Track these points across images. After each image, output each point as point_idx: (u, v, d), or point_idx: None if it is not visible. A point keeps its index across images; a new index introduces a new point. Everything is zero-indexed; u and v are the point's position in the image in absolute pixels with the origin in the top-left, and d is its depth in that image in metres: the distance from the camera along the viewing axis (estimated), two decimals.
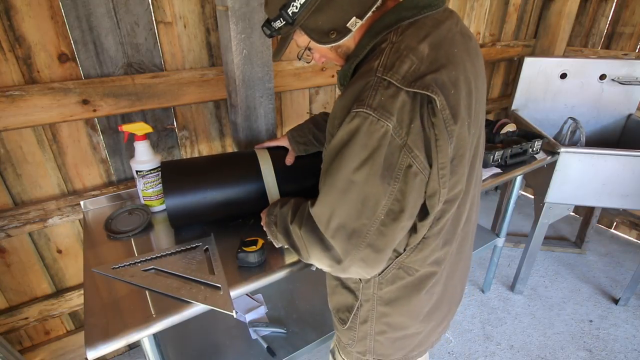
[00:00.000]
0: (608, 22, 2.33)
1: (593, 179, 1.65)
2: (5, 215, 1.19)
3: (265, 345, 1.21)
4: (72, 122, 1.22)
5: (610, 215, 2.56)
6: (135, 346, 1.70)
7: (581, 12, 2.41)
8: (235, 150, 1.43)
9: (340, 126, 0.57)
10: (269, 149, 1.07)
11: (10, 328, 1.34)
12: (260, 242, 0.89)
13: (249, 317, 1.31)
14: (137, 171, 1.09)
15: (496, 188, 3.06)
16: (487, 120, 1.70)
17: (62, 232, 1.34)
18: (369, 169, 0.56)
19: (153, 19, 1.24)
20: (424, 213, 0.64)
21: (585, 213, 2.33)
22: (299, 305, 1.38)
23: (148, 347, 0.82)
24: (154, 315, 0.75)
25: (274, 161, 1.02)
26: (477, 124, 0.67)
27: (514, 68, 2.61)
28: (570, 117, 1.93)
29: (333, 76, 1.75)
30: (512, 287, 2.08)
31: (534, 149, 1.55)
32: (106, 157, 1.32)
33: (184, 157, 1.49)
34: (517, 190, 1.72)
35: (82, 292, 1.45)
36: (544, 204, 1.75)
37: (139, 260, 0.90)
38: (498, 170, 1.41)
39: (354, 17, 0.60)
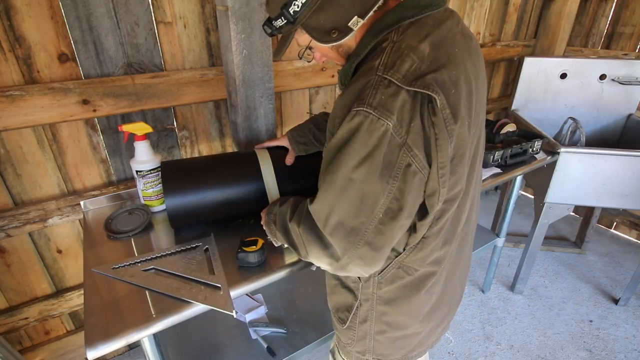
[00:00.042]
0: (608, 22, 2.33)
1: (593, 179, 1.65)
2: (5, 215, 1.19)
3: (265, 345, 1.21)
4: (72, 122, 1.22)
5: (610, 215, 2.56)
6: (135, 346, 1.70)
7: (581, 12, 2.41)
8: (235, 150, 1.43)
9: (341, 125, 0.58)
10: (269, 148, 1.07)
11: (10, 328, 1.34)
12: (260, 242, 0.89)
13: (249, 317, 1.31)
14: (137, 171, 1.09)
15: (496, 188, 3.06)
16: (487, 120, 1.70)
17: (62, 232, 1.34)
18: (368, 167, 0.56)
19: (153, 19, 1.24)
20: (423, 212, 0.64)
21: (585, 213, 2.33)
22: (299, 305, 1.38)
23: (148, 347, 0.82)
24: (154, 315, 0.75)
25: (274, 161, 1.02)
26: (478, 124, 0.67)
27: (514, 68, 2.61)
28: (570, 117, 1.93)
29: (333, 76, 1.75)
30: (512, 287, 2.08)
31: (534, 149, 1.55)
32: (106, 157, 1.32)
33: (184, 157, 1.49)
34: (517, 190, 1.72)
35: (82, 292, 1.45)
36: (544, 204, 1.75)
37: (139, 260, 0.90)
38: (498, 170, 1.41)
39: (356, 16, 0.60)
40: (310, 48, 0.71)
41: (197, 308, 0.77)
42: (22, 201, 1.23)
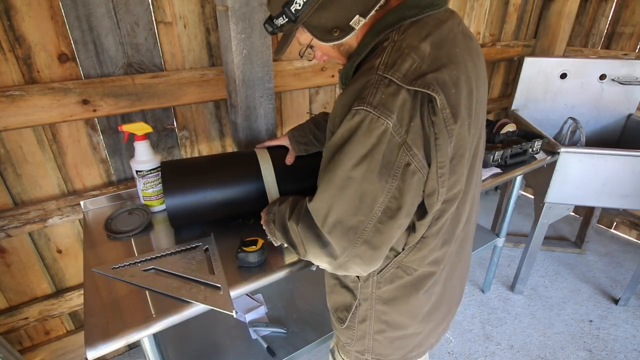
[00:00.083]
0: (608, 22, 2.33)
1: (593, 179, 1.65)
2: (5, 215, 1.19)
3: (265, 345, 1.21)
4: (72, 122, 1.22)
5: (610, 215, 2.56)
6: (135, 346, 1.70)
7: (581, 12, 2.41)
8: (235, 150, 1.43)
9: (341, 124, 0.58)
10: (269, 148, 1.07)
11: (10, 328, 1.34)
12: (260, 242, 0.89)
13: (249, 317, 1.31)
14: (137, 171, 1.09)
15: (496, 188, 3.06)
16: (487, 120, 1.70)
17: (62, 232, 1.34)
18: (367, 166, 0.56)
19: (153, 19, 1.24)
20: (422, 212, 0.64)
21: (585, 213, 2.33)
22: (299, 305, 1.38)
23: (148, 347, 0.82)
24: (154, 315, 0.75)
25: (274, 161, 1.02)
26: (478, 124, 0.67)
27: (514, 68, 2.61)
28: (570, 117, 1.93)
29: (333, 76, 1.75)
30: (512, 287, 2.08)
31: (534, 149, 1.55)
32: (106, 157, 1.32)
33: (184, 157, 1.49)
34: (517, 190, 1.72)
35: (82, 292, 1.45)
36: (544, 204, 1.75)
37: (139, 260, 0.90)
38: (498, 170, 1.41)
39: (357, 15, 0.60)
40: (311, 47, 0.71)
41: (197, 308, 0.77)
42: (22, 201, 1.23)
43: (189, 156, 1.50)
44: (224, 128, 1.54)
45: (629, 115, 2.06)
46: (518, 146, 1.47)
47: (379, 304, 0.75)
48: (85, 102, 1.19)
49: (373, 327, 0.78)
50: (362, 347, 0.82)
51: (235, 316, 0.77)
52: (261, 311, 1.34)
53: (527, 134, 1.61)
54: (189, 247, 0.95)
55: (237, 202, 1.00)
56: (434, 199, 0.62)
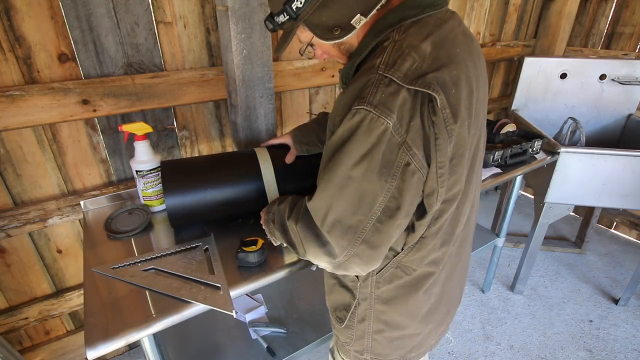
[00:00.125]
0: (608, 22, 2.33)
1: (593, 179, 1.65)
2: (5, 215, 1.19)
3: (265, 345, 1.21)
4: (72, 122, 1.22)
5: (610, 215, 2.56)
6: (135, 346, 1.70)
7: (581, 12, 2.41)
8: (235, 150, 1.43)
9: (341, 123, 0.58)
10: (269, 148, 1.07)
11: (10, 328, 1.34)
12: (260, 242, 0.89)
13: (249, 317, 1.31)
14: (137, 171, 1.09)
15: (496, 188, 3.06)
16: (487, 120, 1.69)
17: (62, 232, 1.34)
18: (367, 165, 0.56)
19: (153, 19, 1.24)
20: (421, 212, 0.64)
21: (585, 213, 2.33)
22: (299, 305, 1.38)
23: (148, 347, 0.82)
24: (154, 315, 0.75)
25: (274, 161, 1.02)
26: (477, 125, 0.67)
27: (514, 68, 2.61)
28: (570, 117, 1.93)
29: (333, 76, 1.75)
30: (512, 287, 2.08)
31: (534, 149, 1.55)
32: (106, 157, 1.32)
33: (184, 157, 1.48)
34: (517, 190, 1.72)
35: (82, 292, 1.45)
36: (544, 204, 1.75)
37: (139, 260, 0.90)
38: (498, 170, 1.41)
39: (359, 14, 0.60)
40: (312, 45, 0.71)
41: (197, 308, 0.77)
42: (22, 201, 1.23)
43: (189, 156, 1.50)
44: (224, 128, 1.54)
45: (629, 115, 2.06)
46: (518, 146, 1.47)
47: (378, 304, 0.75)
48: (85, 102, 1.20)
49: (372, 327, 0.78)
50: (361, 347, 0.82)
51: (235, 316, 0.77)
52: (261, 311, 1.34)
53: (527, 134, 1.61)
54: (189, 247, 0.95)
55: (237, 201, 1.00)
56: (433, 199, 0.62)
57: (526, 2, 2.37)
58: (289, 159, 1.04)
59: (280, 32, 0.70)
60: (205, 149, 1.53)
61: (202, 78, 1.38)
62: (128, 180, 1.39)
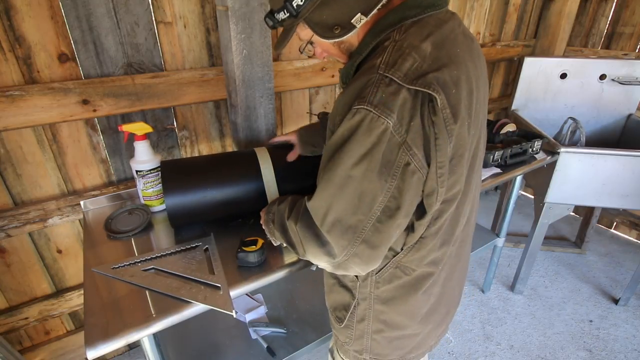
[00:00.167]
0: (608, 22, 2.33)
1: (593, 179, 1.65)
2: (5, 215, 1.19)
3: (265, 345, 1.21)
4: (72, 122, 1.22)
5: (610, 215, 2.56)
6: (135, 346, 1.70)
7: (581, 12, 2.41)
8: (235, 150, 1.43)
9: (341, 122, 0.58)
10: (269, 148, 1.07)
11: (10, 328, 1.34)
12: (260, 242, 0.89)
13: (249, 317, 1.31)
14: (137, 171, 1.09)
15: (496, 188, 3.06)
16: (487, 120, 1.70)
17: (62, 232, 1.34)
18: (367, 165, 0.56)
19: (153, 19, 1.24)
20: (421, 212, 0.64)
21: (585, 213, 2.33)
22: (299, 305, 1.38)
23: (148, 347, 0.82)
24: (153, 315, 0.75)
25: (274, 161, 1.02)
26: (477, 125, 0.67)
27: (514, 68, 2.61)
28: (570, 117, 1.93)
29: (333, 76, 1.75)
30: (512, 287, 2.08)
31: (534, 149, 1.55)
32: (106, 157, 1.32)
33: (184, 157, 1.48)
34: (517, 190, 1.72)
35: (82, 292, 1.45)
36: (544, 204, 1.75)
37: (139, 260, 0.90)
38: (498, 170, 1.41)
39: (359, 14, 0.60)
40: (312, 43, 0.70)
41: (197, 308, 0.77)
42: (22, 201, 1.23)
43: (189, 156, 1.50)
44: (224, 128, 1.54)
45: (629, 115, 2.06)
46: (518, 146, 1.47)
47: (378, 304, 0.75)
48: (85, 102, 1.20)
49: (371, 327, 0.78)
50: (361, 347, 0.82)
51: (235, 316, 0.77)
52: (261, 311, 1.34)
53: (527, 134, 1.61)
54: (189, 247, 0.95)
55: (237, 201, 1.00)
56: (433, 199, 0.62)
57: (526, 2, 2.37)
58: (291, 157, 1.03)
59: (280, 30, 0.69)
60: (205, 149, 1.53)
61: (202, 78, 1.38)
62: (128, 180, 1.39)
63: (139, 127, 1.05)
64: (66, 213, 1.29)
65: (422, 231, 0.67)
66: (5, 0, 1.02)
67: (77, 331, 1.52)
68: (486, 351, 1.73)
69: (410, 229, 0.67)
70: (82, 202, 1.18)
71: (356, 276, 0.76)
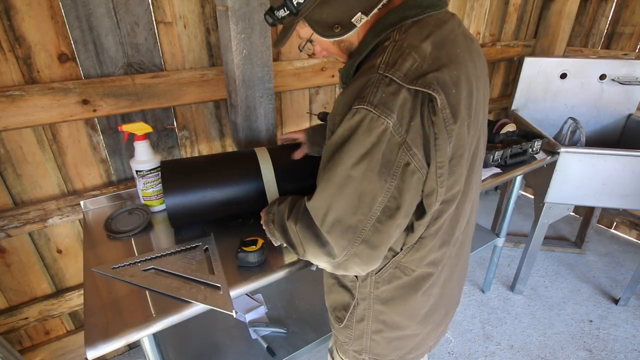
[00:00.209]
0: (608, 22, 2.33)
1: (593, 179, 1.65)
2: (5, 215, 1.19)
3: (265, 345, 1.21)
4: (72, 122, 1.22)
5: (610, 215, 2.56)
6: (135, 346, 1.70)
7: (581, 12, 2.41)
8: (235, 150, 1.43)
9: (341, 122, 0.58)
10: (269, 148, 1.07)
11: (10, 328, 1.34)
12: (260, 242, 0.89)
13: (249, 317, 1.31)
14: (137, 171, 1.09)
15: (496, 188, 3.06)
16: (487, 120, 1.69)
17: (62, 232, 1.34)
18: (367, 165, 0.56)
19: (153, 19, 1.24)
20: (420, 212, 0.64)
21: (585, 213, 2.33)
22: (299, 305, 1.38)
23: (148, 347, 0.82)
24: (153, 315, 0.75)
25: (274, 161, 1.02)
26: (477, 125, 0.67)
27: (514, 68, 2.61)
28: (570, 117, 1.93)
29: (333, 76, 1.75)
30: (512, 287, 2.08)
31: (534, 149, 1.55)
32: (106, 157, 1.32)
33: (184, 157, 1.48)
34: (517, 190, 1.72)
35: (82, 292, 1.45)
36: (544, 204, 1.75)
37: (139, 260, 0.90)
38: (498, 170, 1.41)
39: (360, 13, 0.60)
40: (311, 41, 0.70)
41: (197, 308, 0.77)
42: (22, 201, 1.23)
43: (189, 156, 1.50)
44: (224, 128, 1.54)
45: (629, 115, 2.06)
46: (518, 146, 1.47)
47: (377, 304, 0.75)
48: (85, 102, 1.20)
49: (371, 327, 0.78)
50: (360, 347, 0.82)
51: (235, 316, 0.77)
52: (261, 311, 1.34)
53: (527, 134, 1.61)
54: (189, 247, 0.95)
55: (237, 201, 1.00)
56: (432, 199, 0.62)
57: (526, 2, 2.37)
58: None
59: (280, 27, 0.69)
60: (205, 149, 1.53)
61: (202, 78, 1.38)
62: (128, 180, 1.39)
63: (139, 127, 1.05)
64: (66, 213, 1.29)
65: (421, 231, 0.67)
66: (5, 0, 1.02)
67: (77, 331, 1.52)
68: (486, 351, 1.73)
69: (409, 229, 0.67)
70: (82, 202, 1.18)
71: (356, 276, 0.76)
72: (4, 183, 1.18)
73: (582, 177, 1.65)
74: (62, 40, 1.12)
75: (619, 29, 2.29)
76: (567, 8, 2.31)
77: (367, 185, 0.57)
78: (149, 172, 1.09)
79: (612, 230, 2.59)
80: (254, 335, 1.25)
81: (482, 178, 1.33)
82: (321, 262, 0.67)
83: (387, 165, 0.57)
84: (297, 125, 1.76)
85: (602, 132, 2.14)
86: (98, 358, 0.69)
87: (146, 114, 1.34)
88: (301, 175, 1.04)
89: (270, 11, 0.66)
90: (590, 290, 2.08)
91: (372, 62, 0.58)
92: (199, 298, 0.78)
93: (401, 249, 0.69)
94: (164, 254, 0.92)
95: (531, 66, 2.06)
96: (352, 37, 0.65)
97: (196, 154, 1.52)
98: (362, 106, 0.55)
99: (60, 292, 1.42)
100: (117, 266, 0.88)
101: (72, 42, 1.14)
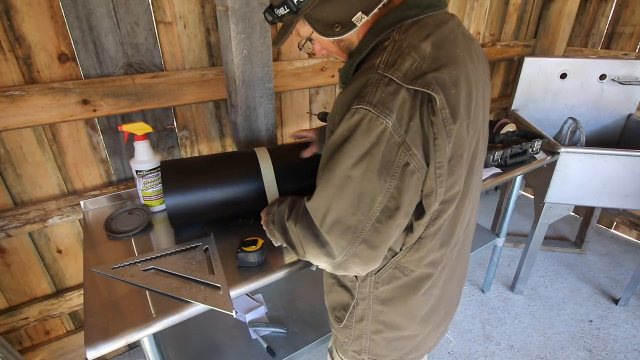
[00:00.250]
0: (608, 22, 2.33)
1: (593, 179, 1.65)
2: (5, 215, 1.19)
3: (265, 345, 1.21)
4: (72, 122, 1.22)
5: (610, 215, 2.56)
6: (135, 346, 1.70)
7: (581, 12, 2.41)
8: (235, 150, 1.43)
9: (341, 122, 0.58)
10: (269, 148, 1.07)
11: (10, 328, 1.34)
12: (260, 242, 0.89)
13: (249, 317, 1.31)
14: (137, 171, 1.09)
15: (496, 188, 3.06)
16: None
17: (62, 232, 1.34)
18: (367, 165, 0.56)
19: (153, 19, 1.24)
20: (420, 212, 0.64)
21: (585, 213, 2.33)
22: (299, 305, 1.38)
23: (148, 347, 0.82)
24: (153, 315, 0.75)
25: (274, 161, 1.02)
26: (477, 126, 0.67)
27: (514, 68, 2.61)
28: (570, 117, 1.93)
29: (333, 76, 1.75)
30: (512, 287, 2.08)
31: (534, 149, 1.55)
32: (106, 157, 1.32)
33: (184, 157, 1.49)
34: (517, 190, 1.72)
35: (82, 292, 1.45)
36: (544, 204, 1.75)
37: (138, 260, 0.90)
38: (498, 170, 1.41)
39: (360, 12, 0.59)
40: (311, 40, 0.70)
41: (197, 308, 0.77)
42: (22, 201, 1.23)
43: (189, 156, 1.50)
44: (224, 128, 1.54)
45: (629, 115, 2.06)
46: (518, 146, 1.47)
47: (377, 304, 0.75)
48: (85, 102, 1.20)
49: (370, 327, 0.78)
50: (359, 347, 0.82)
51: (235, 316, 0.77)
52: (261, 311, 1.34)
53: (527, 134, 1.61)
54: (189, 247, 0.95)
55: (237, 201, 1.00)
56: (431, 199, 0.62)
57: (526, 2, 2.37)
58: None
59: (280, 25, 0.69)
60: (205, 149, 1.53)
61: (202, 78, 1.38)
62: (128, 180, 1.39)
63: (139, 127, 1.05)
64: (66, 213, 1.29)
65: (420, 231, 0.67)
66: (5, 0, 1.02)
67: (77, 331, 1.52)
68: (486, 351, 1.73)
69: (409, 229, 0.67)
70: (82, 202, 1.18)
71: (355, 276, 0.75)
72: (4, 183, 1.18)
73: (582, 177, 1.65)
74: (62, 40, 1.12)
75: (619, 29, 2.29)
76: (567, 8, 2.31)
77: (366, 185, 0.57)
78: (149, 172, 1.09)
79: (612, 230, 2.59)
80: (254, 335, 1.25)
81: (482, 178, 1.32)
82: (321, 262, 0.67)
83: (386, 165, 0.56)
84: (297, 125, 1.76)
85: (602, 132, 2.14)
86: (98, 358, 0.69)
87: (146, 114, 1.34)
88: (301, 176, 1.04)
89: (270, 9, 0.66)
90: (590, 290, 2.08)
91: (372, 62, 0.58)
92: (199, 298, 0.78)
93: (400, 249, 0.69)
94: (164, 254, 0.92)
95: (531, 66, 2.06)
96: (352, 36, 0.65)
97: (196, 154, 1.52)
98: (361, 106, 0.55)
99: (60, 292, 1.42)
100: (117, 266, 0.88)
101: (72, 42, 1.14)
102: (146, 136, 1.08)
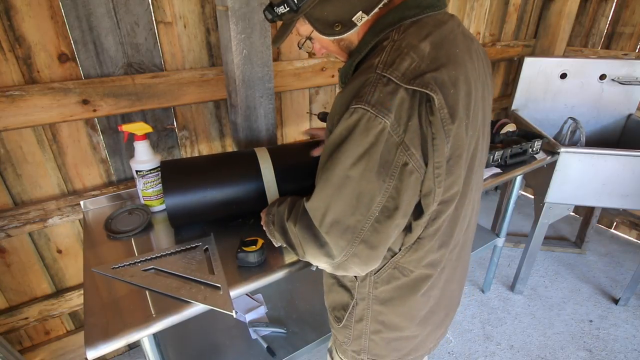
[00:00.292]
0: (608, 22, 2.33)
1: (593, 179, 1.65)
2: (5, 215, 1.19)
3: (265, 345, 1.21)
4: (72, 122, 1.22)
5: (610, 215, 2.56)
6: (135, 346, 1.70)
7: (581, 12, 2.41)
8: (235, 150, 1.43)
9: (339, 122, 0.58)
10: (269, 148, 1.07)
11: (10, 328, 1.34)
12: (260, 242, 0.89)
13: (249, 317, 1.32)
14: (137, 171, 1.09)
15: (496, 188, 3.06)
16: None
17: (62, 232, 1.34)
18: (365, 165, 0.56)
19: (153, 19, 1.24)
20: (418, 212, 0.64)
21: (585, 213, 2.33)
22: (299, 305, 1.38)
23: (148, 347, 0.82)
24: (153, 315, 0.75)
25: (274, 161, 1.02)
26: (476, 126, 0.66)
27: (514, 68, 2.61)
28: (570, 117, 1.93)
29: (333, 76, 1.75)
30: (512, 287, 2.08)
31: (534, 149, 1.55)
32: (106, 157, 1.32)
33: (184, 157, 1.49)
34: (517, 190, 1.72)
35: (82, 292, 1.45)
36: (544, 204, 1.75)
37: (138, 260, 0.90)
38: (498, 170, 1.41)
39: (361, 12, 0.59)
40: (311, 39, 0.70)
41: (197, 308, 0.77)
42: (22, 201, 1.23)
43: (189, 156, 1.50)
44: (224, 128, 1.54)
45: (629, 115, 2.06)
46: (518, 146, 1.47)
47: (376, 304, 0.75)
48: (85, 102, 1.20)
49: (369, 327, 0.78)
50: (359, 347, 0.82)
51: (235, 316, 0.77)
52: (261, 311, 1.34)
53: (527, 134, 1.61)
54: (189, 247, 0.95)
55: (237, 201, 1.00)
56: (430, 199, 0.62)
57: (526, 2, 2.37)
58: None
59: (280, 24, 0.69)
60: (205, 149, 1.53)
61: (202, 78, 1.38)
62: (128, 180, 1.39)
63: (139, 127, 1.05)
64: (66, 213, 1.29)
65: (419, 231, 0.66)
66: (5, 0, 1.02)
67: (77, 331, 1.52)
68: (486, 351, 1.73)
69: (408, 229, 0.66)
70: (82, 202, 1.18)
71: (355, 276, 0.76)
72: (4, 183, 1.18)
73: (582, 177, 1.65)
74: (62, 40, 1.12)
75: (619, 29, 2.29)
76: (567, 8, 2.31)
77: (365, 185, 0.57)
78: (149, 172, 1.09)
79: (612, 230, 2.59)
80: (254, 335, 1.25)
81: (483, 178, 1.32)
82: (320, 262, 0.67)
83: (385, 165, 0.56)
84: (297, 126, 1.76)
85: (602, 132, 2.14)
86: (98, 358, 0.69)
87: (146, 114, 1.34)
88: (301, 176, 1.04)
89: (270, 7, 0.66)
90: (590, 290, 2.08)
91: (371, 62, 0.58)
92: (199, 298, 0.78)
93: (400, 249, 0.69)
94: (164, 254, 0.92)
95: (531, 66, 2.06)
96: (352, 35, 0.65)
97: (196, 154, 1.52)
98: (359, 106, 0.54)
99: (60, 292, 1.42)
100: (117, 266, 0.88)
101: (72, 42, 1.14)
102: (146, 136, 1.08)
